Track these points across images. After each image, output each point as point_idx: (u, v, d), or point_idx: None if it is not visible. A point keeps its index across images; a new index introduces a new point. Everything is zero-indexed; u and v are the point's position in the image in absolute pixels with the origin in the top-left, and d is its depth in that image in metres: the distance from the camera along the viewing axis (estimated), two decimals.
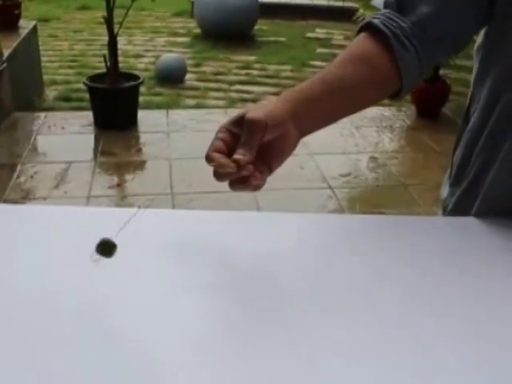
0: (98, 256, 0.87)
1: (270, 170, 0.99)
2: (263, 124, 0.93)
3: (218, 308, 0.89)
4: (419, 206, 4.06)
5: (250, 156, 0.92)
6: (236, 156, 0.91)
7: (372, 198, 4.32)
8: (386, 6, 1.13)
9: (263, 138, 0.94)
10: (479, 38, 1.19)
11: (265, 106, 0.99)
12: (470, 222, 1.15)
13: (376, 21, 1.08)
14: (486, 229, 1.12)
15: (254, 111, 0.95)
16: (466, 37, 1.13)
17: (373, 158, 4.84)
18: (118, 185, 4.33)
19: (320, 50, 8.57)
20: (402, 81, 1.08)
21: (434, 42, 1.08)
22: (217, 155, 0.93)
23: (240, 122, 0.95)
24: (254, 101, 6.44)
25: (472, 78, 1.22)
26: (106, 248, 0.87)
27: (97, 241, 0.88)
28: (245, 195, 4.20)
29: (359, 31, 1.11)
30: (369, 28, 1.09)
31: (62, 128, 5.18)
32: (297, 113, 0.99)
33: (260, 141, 0.93)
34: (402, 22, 1.07)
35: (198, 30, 9.31)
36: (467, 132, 1.21)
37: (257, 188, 0.96)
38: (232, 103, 6.30)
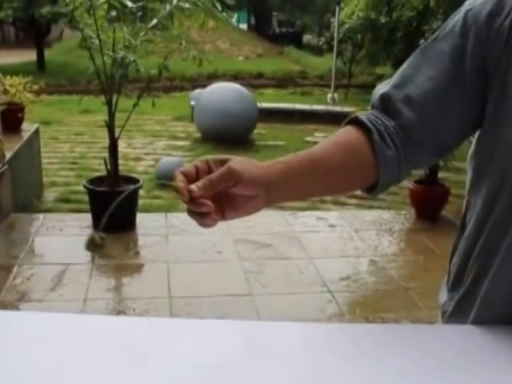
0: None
1: (223, 217, 1.00)
2: (237, 178, 0.96)
3: None
4: (420, 310, 3.98)
5: (203, 193, 0.95)
6: (191, 186, 0.95)
7: (372, 302, 4.25)
8: (372, 106, 1.17)
9: (229, 188, 0.97)
10: (471, 147, 1.20)
11: (251, 164, 1.01)
12: (468, 331, 1.14)
13: (362, 116, 1.13)
14: (485, 338, 1.11)
15: (239, 164, 0.98)
16: (451, 145, 1.16)
17: (373, 262, 4.80)
18: (115, 288, 4.26)
19: None
20: (379, 175, 1.10)
21: (415, 144, 1.12)
22: (180, 177, 0.96)
23: (222, 163, 0.98)
24: None
25: (466, 185, 1.23)
26: (95, 244, 0.87)
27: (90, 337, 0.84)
28: (243, 300, 4.11)
29: (346, 124, 1.16)
30: (355, 121, 1.14)
31: (61, 230, 5.16)
32: (275, 183, 1.01)
33: (224, 188, 0.96)
34: (386, 121, 1.12)
35: (197, 134, 9.50)
36: (463, 239, 1.22)
37: (207, 226, 0.98)
38: None
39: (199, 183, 0.95)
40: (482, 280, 1.15)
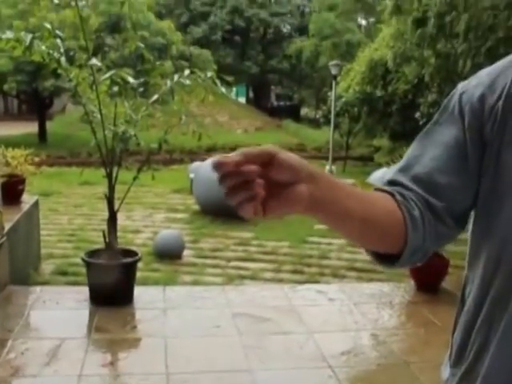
0: None
1: (265, 210, 0.92)
2: (273, 152, 0.90)
3: None
4: None
5: (240, 159, 0.87)
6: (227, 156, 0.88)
7: (373, 377, 4.17)
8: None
9: (266, 167, 0.89)
10: (470, 225, 1.21)
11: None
12: None
13: (379, 186, 1.14)
14: None
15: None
16: (466, 213, 1.16)
17: (373, 335, 4.73)
18: (111, 363, 4.18)
19: (318, 227, 8.72)
20: (408, 233, 1.08)
21: (433, 212, 1.12)
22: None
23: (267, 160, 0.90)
24: (252, 278, 6.44)
25: (466, 260, 1.23)
26: None
27: None
28: (242, 376, 4.02)
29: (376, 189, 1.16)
30: (388, 192, 1.13)
31: (57, 303, 5.11)
32: (320, 179, 0.97)
33: (261, 170, 0.89)
34: (404, 190, 1.13)
35: (196, 207, 9.54)
36: (464, 314, 1.22)
37: (245, 212, 0.91)
38: (229, 280, 6.29)
39: (233, 155, 0.88)
40: (484, 356, 1.14)
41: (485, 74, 1.17)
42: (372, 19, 30.91)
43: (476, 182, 1.13)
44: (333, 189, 1.00)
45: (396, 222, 1.09)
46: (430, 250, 1.16)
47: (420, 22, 10.22)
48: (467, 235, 1.23)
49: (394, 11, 10.61)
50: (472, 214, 1.19)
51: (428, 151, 1.16)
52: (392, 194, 1.11)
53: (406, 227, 1.09)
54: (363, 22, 35.54)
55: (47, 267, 6.51)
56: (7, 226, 5.39)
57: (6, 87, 20.79)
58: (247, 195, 0.90)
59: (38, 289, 5.47)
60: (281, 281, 6.34)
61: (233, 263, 6.97)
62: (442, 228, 1.14)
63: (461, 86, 1.20)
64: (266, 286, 6.05)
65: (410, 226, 1.09)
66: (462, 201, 1.14)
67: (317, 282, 6.23)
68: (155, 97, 5.19)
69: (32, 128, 22.72)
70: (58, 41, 4.93)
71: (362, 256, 7.27)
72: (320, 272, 6.70)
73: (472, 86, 1.16)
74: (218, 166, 0.88)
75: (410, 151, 1.20)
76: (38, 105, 22.99)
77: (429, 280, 5.65)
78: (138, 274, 5.55)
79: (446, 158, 1.14)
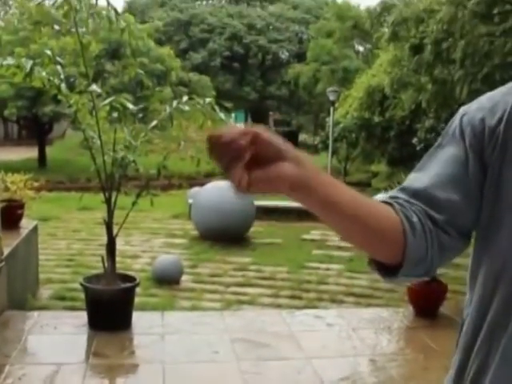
0: None
1: (250, 182, 0.96)
2: (258, 132, 0.95)
3: None
4: None
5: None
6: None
7: None
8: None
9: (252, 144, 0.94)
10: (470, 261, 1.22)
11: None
12: None
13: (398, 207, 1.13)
14: None
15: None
16: (470, 226, 1.16)
17: (372, 361, 4.71)
18: None
19: (316, 252, 8.72)
20: (407, 239, 1.08)
21: (435, 223, 1.12)
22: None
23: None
24: (250, 303, 6.43)
25: (467, 281, 1.24)
26: None
27: None
28: None
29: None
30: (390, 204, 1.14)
31: (55, 328, 5.09)
32: (308, 164, 1.00)
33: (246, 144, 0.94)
34: (404, 202, 1.13)
35: (195, 232, 9.54)
36: (463, 335, 1.22)
37: (235, 178, 0.95)
38: (228, 305, 6.27)
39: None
40: (483, 378, 1.14)
41: (486, 99, 1.20)
42: (369, 45, 31.16)
43: (478, 201, 1.15)
44: (319, 176, 1.02)
45: (393, 227, 1.09)
46: (436, 263, 1.14)
47: (417, 49, 10.32)
48: (465, 259, 1.24)
49: (391, 38, 10.72)
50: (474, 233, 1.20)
51: (429, 170, 1.18)
52: (390, 204, 1.12)
53: (404, 234, 1.08)
54: (360, 49, 35.82)
55: (45, 292, 6.49)
56: (6, 251, 5.39)
57: (6, 113, 20.89)
58: (234, 154, 0.94)
59: (35, 314, 5.45)
60: (279, 306, 6.32)
61: (231, 288, 6.96)
62: (445, 238, 1.13)
63: (462, 109, 1.22)
64: (264, 312, 6.04)
65: (409, 232, 1.08)
66: (463, 216, 1.15)
67: (315, 307, 6.22)
68: (154, 122, 5.22)
69: (32, 153, 22.79)
70: (59, 67, 4.98)
71: (360, 281, 7.27)
72: (318, 297, 6.69)
73: (473, 110, 1.19)
74: (210, 139, 0.94)
75: (411, 174, 1.22)
76: (37, 130, 23.10)
77: (427, 305, 5.65)
78: (137, 299, 5.54)
79: (446, 174, 1.15)
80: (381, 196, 1.19)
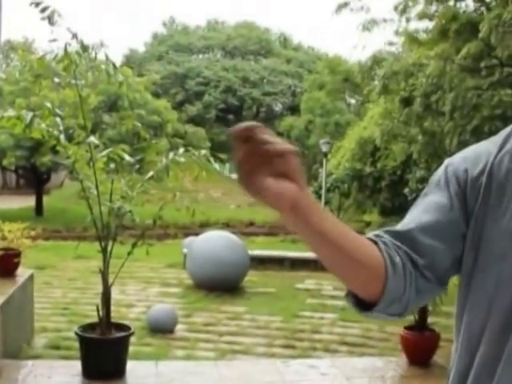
0: None
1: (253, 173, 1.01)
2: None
3: None
4: None
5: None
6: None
7: None
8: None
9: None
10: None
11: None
12: None
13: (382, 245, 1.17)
14: None
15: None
16: (447, 269, 1.20)
17: None
18: None
19: (310, 301, 8.75)
20: (387, 277, 1.12)
21: (414, 263, 1.16)
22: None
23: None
24: (244, 352, 6.43)
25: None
26: None
27: None
28: None
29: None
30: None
31: (49, 377, 5.09)
32: (308, 199, 1.06)
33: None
34: (387, 240, 1.18)
35: (189, 281, 9.57)
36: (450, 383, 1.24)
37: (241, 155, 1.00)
38: (222, 355, 6.27)
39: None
40: None
41: (470, 150, 1.26)
42: (359, 98, 31.64)
43: (459, 249, 1.19)
44: (316, 204, 1.08)
45: (376, 263, 1.11)
46: (411, 305, 1.17)
47: (407, 101, 10.58)
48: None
49: (381, 91, 10.97)
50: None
51: (414, 216, 1.22)
52: (375, 242, 1.15)
53: (386, 271, 1.11)
54: (352, 101, 36.34)
55: (40, 341, 6.49)
56: (1, 300, 5.42)
57: (5, 162, 20.99)
58: (266, 160, 1.00)
59: (29, 363, 5.45)
60: (273, 355, 6.33)
61: (225, 337, 6.97)
62: (423, 282, 1.16)
63: (447, 160, 1.28)
64: (258, 361, 6.04)
65: (391, 270, 1.11)
66: (443, 262, 1.18)
67: (309, 356, 6.23)
68: (150, 173, 5.33)
69: (29, 202, 22.84)
70: (58, 119, 5.10)
71: (354, 330, 7.29)
72: (312, 346, 6.70)
73: (457, 161, 1.24)
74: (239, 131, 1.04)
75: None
76: (35, 179, 23.21)
77: (421, 354, 5.67)
78: (131, 349, 5.55)
79: (431, 221, 1.19)
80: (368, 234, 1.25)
